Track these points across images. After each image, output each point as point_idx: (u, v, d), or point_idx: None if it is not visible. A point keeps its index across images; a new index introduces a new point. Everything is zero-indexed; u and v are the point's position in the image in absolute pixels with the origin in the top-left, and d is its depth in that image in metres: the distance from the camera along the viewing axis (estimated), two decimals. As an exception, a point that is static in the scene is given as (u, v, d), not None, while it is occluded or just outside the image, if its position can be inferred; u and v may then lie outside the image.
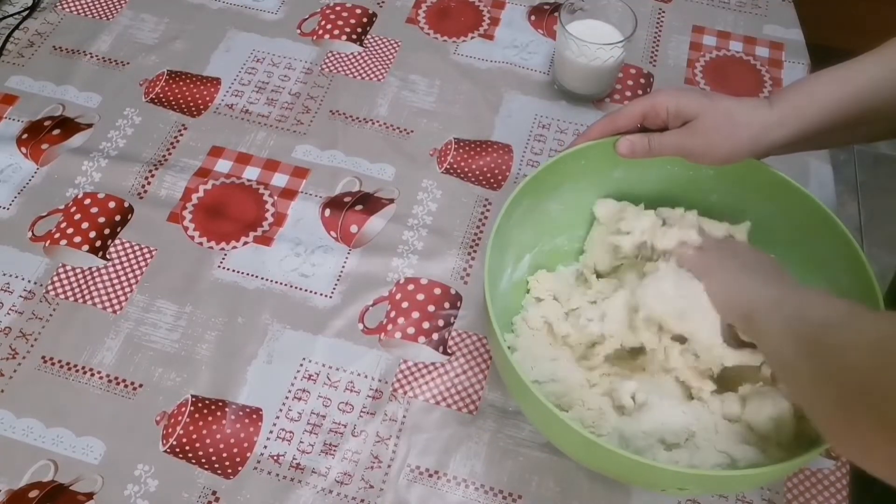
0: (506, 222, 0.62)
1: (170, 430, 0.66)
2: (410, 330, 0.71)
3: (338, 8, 0.97)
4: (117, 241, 0.76)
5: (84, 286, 0.73)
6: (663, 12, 0.99)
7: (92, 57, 0.91)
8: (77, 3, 0.96)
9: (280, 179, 0.81)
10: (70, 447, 0.65)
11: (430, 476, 0.65)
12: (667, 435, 0.58)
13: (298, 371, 0.69)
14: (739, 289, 0.57)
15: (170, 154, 0.83)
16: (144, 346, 0.70)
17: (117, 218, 0.78)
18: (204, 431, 0.66)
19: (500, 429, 0.67)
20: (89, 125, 0.85)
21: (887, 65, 0.59)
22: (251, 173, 0.82)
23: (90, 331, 0.71)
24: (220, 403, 0.67)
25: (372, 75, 0.90)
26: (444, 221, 0.79)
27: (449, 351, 0.71)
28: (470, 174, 0.82)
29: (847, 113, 0.59)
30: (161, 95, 0.88)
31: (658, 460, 0.57)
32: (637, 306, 0.60)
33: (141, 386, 0.68)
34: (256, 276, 0.75)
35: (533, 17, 0.97)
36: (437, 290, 0.74)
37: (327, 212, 0.79)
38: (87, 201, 0.79)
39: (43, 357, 0.69)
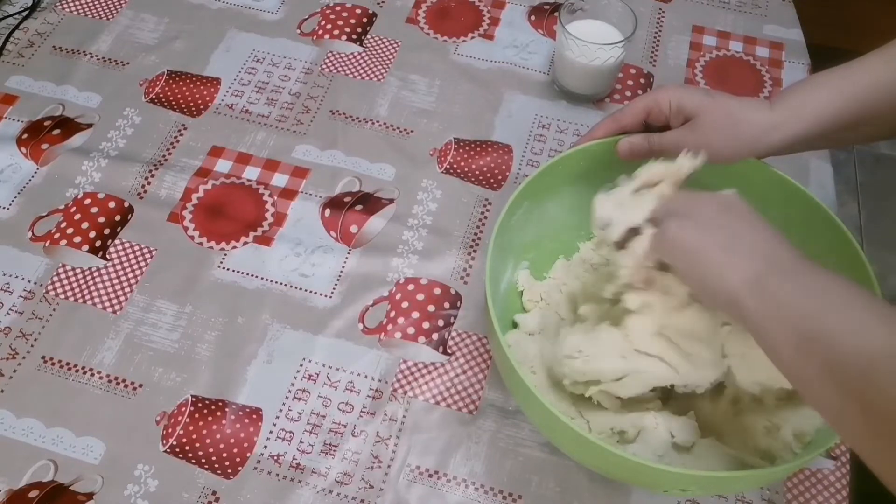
0: (507, 223, 0.62)
1: (170, 430, 0.66)
2: (410, 330, 0.71)
3: (338, 8, 0.97)
4: (117, 241, 0.76)
5: (84, 286, 0.73)
6: (663, 12, 0.99)
7: (92, 57, 0.91)
8: (77, 3, 0.96)
9: (280, 179, 0.81)
10: (70, 447, 0.65)
11: (430, 476, 0.65)
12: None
13: (298, 371, 0.69)
14: (719, 257, 0.49)
15: (170, 154, 0.83)
16: (144, 346, 0.70)
17: (117, 218, 0.78)
18: (204, 431, 0.66)
19: (500, 429, 0.67)
20: (89, 125, 0.85)
21: (888, 66, 0.59)
22: (251, 173, 0.82)
23: (90, 331, 0.71)
24: (220, 403, 0.67)
25: (372, 75, 0.90)
26: (444, 221, 0.79)
27: (449, 351, 0.71)
28: (470, 174, 0.82)
29: (847, 114, 0.59)
30: (161, 95, 0.88)
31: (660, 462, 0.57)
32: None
33: (141, 386, 0.68)
34: (256, 276, 0.75)
35: (533, 17, 0.97)
36: (437, 290, 0.74)
37: (327, 212, 0.79)
38: (87, 201, 0.79)
39: (43, 357, 0.69)
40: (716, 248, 0.50)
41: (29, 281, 0.73)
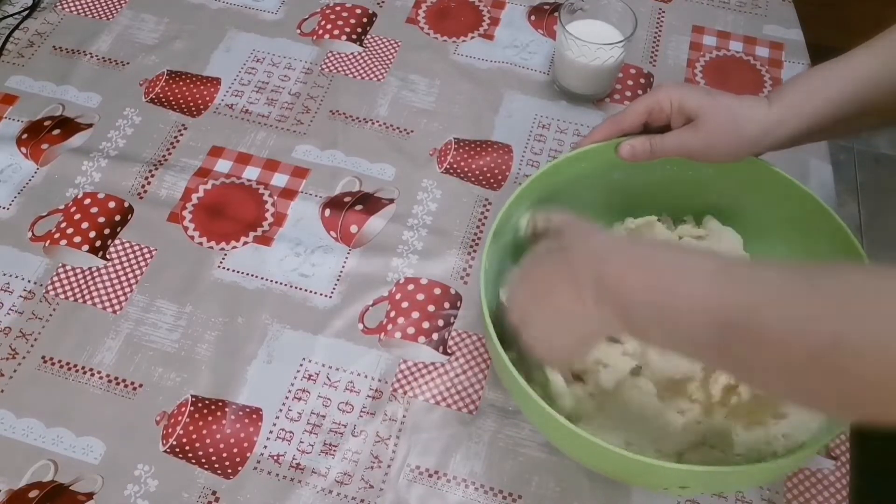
0: (504, 225, 0.62)
1: (170, 430, 0.66)
2: (410, 330, 0.71)
3: (338, 8, 0.97)
4: (117, 241, 0.76)
5: (84, 286, 0.73)
6: (663, 12, 0.99)
7: (92, 57, 0.91)
8: (77, 3, 0.96)
9: (280, 179, 0.81)
10: (70, 447, 0.65)
11: (430, 476, 0.65)
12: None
13: (298, 371, 0.69)
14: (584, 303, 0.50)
15: (170, 154, 0.83)
16: (144, 346, 0.70)
17: (117, 218, 0.78)
18: (204, 431, 0.66)
19: (500, 429, 0.67)
20: (89, 125, 0.85)
21: (882, 57, 0.59)
22: (251, 173, 0.82)
23: (90, 331, 0.71)
24: (220, 403, 0.67)
25: (372, 75, 0.90)
26: (444, 221, 0.79)
27: (449, 351, 0.71)
28: (470, 174, 0.82)
29: (846, 107, 0.59)
30: (161, 95, 0.88)
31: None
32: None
33: (141, 386, 0.68)
34: (256, 276, 0.75)
35: (533, 17, 0.97)
36: (437, 290, 0.74)
37: (327, 212, 0.79)
38: (87, 201, 0.79)
39: (43, 357, 0.69)
40: (569, 328, 0.53)
41: (29, 281, 0.73)
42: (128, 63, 0.91)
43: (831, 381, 0.39)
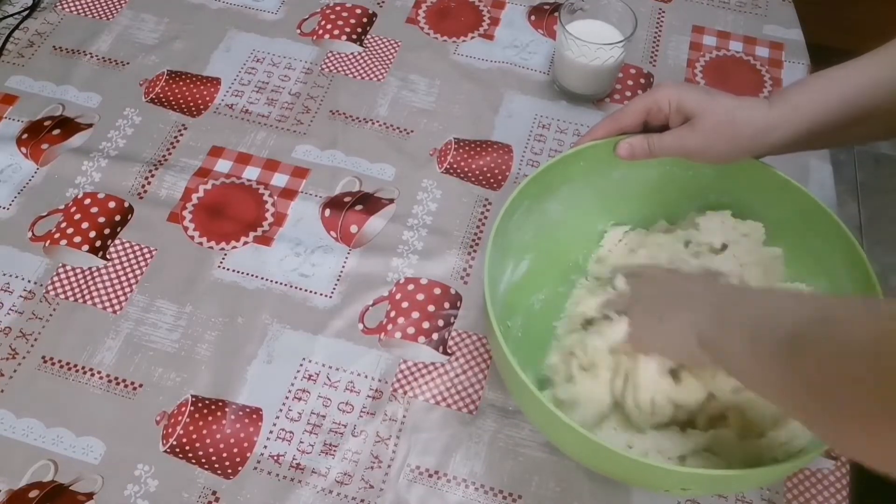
0: (505, 223, 0.62)
1: (170, 430, 0.66)
2: (410, 330, 0.71)
3: (338, 8, 0.97)
4: (117, 241, 0.76)
5: (84, 286, 0.73)
6: (663, 12, 0.99)
7: (92, 57, 0.91)
8: (77, 3, 0.96)
9: (280, 179, 0.81)
10: (70, 447, 0.65)
11: (430, 476, 0.65)
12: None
13: (298, 371, 0.69)
14: (675, 323, 0.56)
15: (170, 154, 0.83)
16: (144, 346, 0.70)
17: (117, 218, 0.78)
18: (204, 431, 0.66)
19: (500, 429, 0.67)
20: (89, 125, 0.85)
21: (886, 65, 0.59)
22: (251, 173, 0.82)
23: (90, 331, 0.71)
24: (220, 403, 0.67)
25: (372, 75, 0.90)
26: (444, 221, 0.79)
27: (449, 351, 0.71)
28: (470, 174, 0.82)
29: (846, 113, 0.59)
30: (161, 95, 0.88)
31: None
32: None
33: (141, 386, 0.68)
34: (256, 276, 0.75)
35: (533, 17, 0.97)
36: (437, 290, 0.74)
37: (327, 212, 0.79)
38: (87, 201, 0.79)
39: (43, 357, 0.69)
40: (669, 322, 0.57)
41: (29, 281, 0.73)
42: (128, 63, 0.91)
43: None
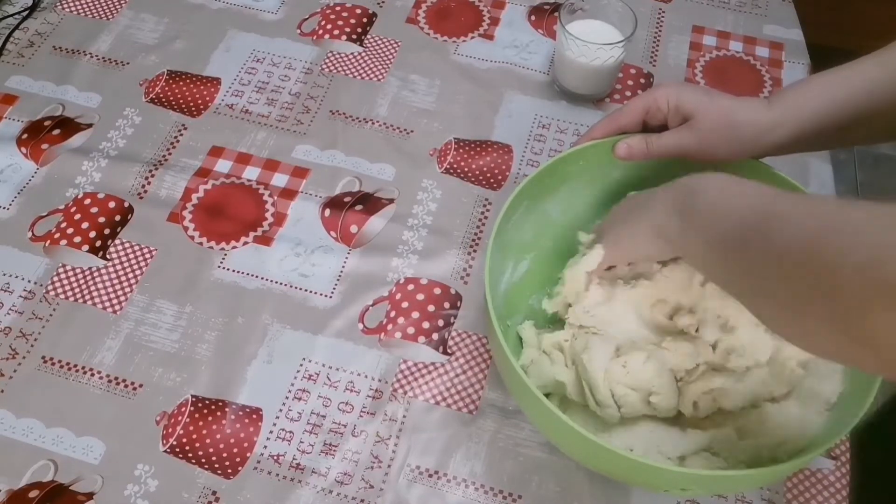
0: (505, 223, 0.62)
1: (170, 430, 0.66)
2: (410, 330, 0.71)
3: (338, 8, 0.97)
4: (117, 241, 0.76)
5: (84, 286, 0.73)
6: (663, 12, 0.99)
7: (92, 57, 0.91)
8: (77, 3, 0.96)
9: (280, 179, 0.81)
10: (70, 447, 0.65)
11: (430, 476, 0.65)
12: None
13: (298, 371, 0.69)
14: (639, 225, 0.57)
15: (170, 154, 0.83)
16: (144, 346, 0.70)
17: (117, 218, 0.78)
18: (204, 431, 0.66)
19: (500, 429, 0.67)
20: (89, 125, 0.85)
21: (886, 67, 0.59)
22: (251, 173, 0.82)
23: (90, 331, 0.71)
24: (220, 403, 0.67)
25: (372, 75, 0.90)
26: (444, 221, 0.79)
27: (449, 351, 0.71)
28: (470, 174, 0.82)
29: (846, 115, 0.59)
30: (161, 95, 0.88)
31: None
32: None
33: (141, 386, 0.68)
34: (256, 276, 0.75)
35: (533, 17, 0.97)
36: (437, 290, 0.74)
37: (327, 212, 0.79)
38: (87, 201, 0.79)
39: (43, 357, 0.69)
40: (641, 220, 0.58)
41: (29, 281, 0.74)
42: (128, 63, 0.91)
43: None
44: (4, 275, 0.74)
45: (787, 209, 0.44)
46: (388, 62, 0.92)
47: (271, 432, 0.66)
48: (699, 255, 0.52)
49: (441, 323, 0.72)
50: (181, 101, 0.87)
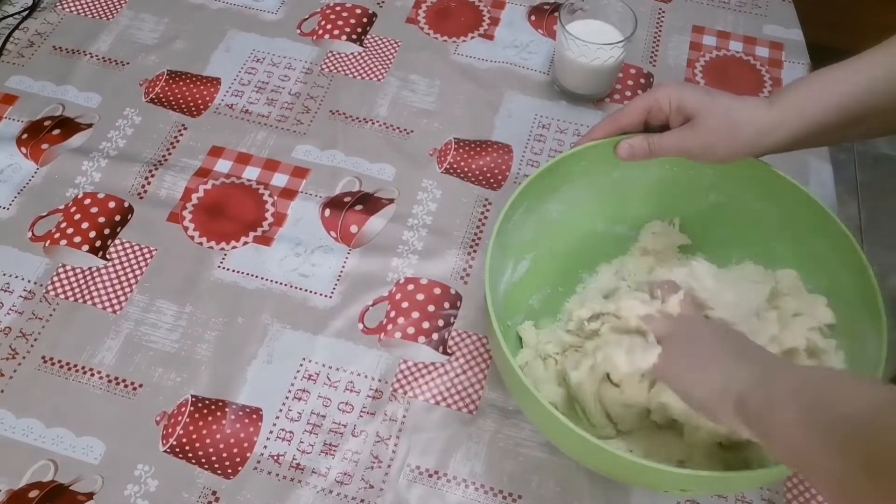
0: (506, 223, 0.62)
1: (170, 430, 0.66)
2: (410, 330, 0.71)
3: (338, 8, 0.97)
4: (117, 241, 0.76)
5: (84, 286, 0.73)
6: (663, 12, 0.99)
7: (92, 57, 0.91)
8: (77, 3, 0.96)
9: (280, 179, 0.81)
10: (70, 447, 0.65)
11: (430, 476, 0.65)
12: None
13: (298, 371, 0.69)
14: (713, 374, 0.52)
15: (170, 154, 0.83)
16: (144, 346, 0.70)
17: (117, 218, 0.78)
18: (204, 431, 0.66)
19: (500, 429, 0.67)
20: (89, 125, 0.85)
21: (886, 63, 0.59)
22: (251, 173, 0.82)
23: (90, 331, 0.71)
24: (220, 403, 0.67)
25: (372, 75, 0.90)
26: (444, 221, 0.79)
27: (449, 351, 0.71)
28: (470, 174, 0.82)
29: (847, 111, 0.59)
30: (161, 95, 0.88)
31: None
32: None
33: (141, 386, 0.68)
34: (256, 276, 0.75)
35: (533, 17, 0.97)
36: (437, 290, 0.74)
37: (327, 212, 0.79)
38: (87, 201, 0.79)
39: (43, 357, 0.69)
40: (705, 370, 0.54)
41: (29, 281, 0.73)
42: (128, 63, 0.91)
43: None
44: (4, 275, 0.74)
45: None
46: (388, 62, 0.92)
47: (271, 432, 0.66)
48: (786, 440, 0.46)
49: (441, 323, 0.72)
50: (181, 101, 0.87)
